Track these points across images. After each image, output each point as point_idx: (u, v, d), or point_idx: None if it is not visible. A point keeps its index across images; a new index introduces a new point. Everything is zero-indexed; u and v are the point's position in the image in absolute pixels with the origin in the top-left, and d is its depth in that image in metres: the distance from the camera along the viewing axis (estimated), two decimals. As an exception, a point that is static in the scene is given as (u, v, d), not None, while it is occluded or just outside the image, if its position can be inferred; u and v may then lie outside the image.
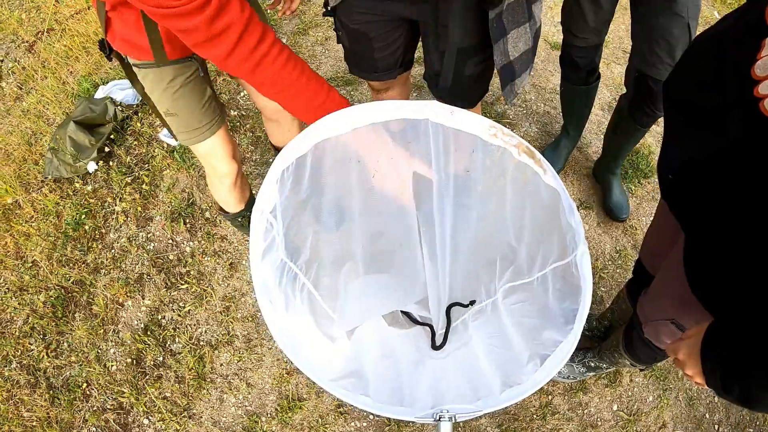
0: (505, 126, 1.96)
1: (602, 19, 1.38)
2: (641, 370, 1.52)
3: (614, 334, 1.29)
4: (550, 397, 1.47)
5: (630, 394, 1.51)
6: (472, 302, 1.16)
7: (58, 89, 2.19)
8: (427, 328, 1.14)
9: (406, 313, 1.19)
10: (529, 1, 0.97)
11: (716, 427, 1.52)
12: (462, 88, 1.16)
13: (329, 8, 1.11)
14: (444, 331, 1.13)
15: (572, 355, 1.44)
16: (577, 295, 0.83)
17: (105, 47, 0.97)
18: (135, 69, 0.99)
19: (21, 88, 2.28)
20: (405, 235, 1.08)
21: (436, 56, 1.11)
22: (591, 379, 1.51)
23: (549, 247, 0.94)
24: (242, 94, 2.08)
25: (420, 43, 1.19)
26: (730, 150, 0.55)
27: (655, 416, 1.49)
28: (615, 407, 1.48)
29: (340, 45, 1.21)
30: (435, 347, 1.10)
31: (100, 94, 2.04)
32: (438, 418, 0.73)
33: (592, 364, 1.42)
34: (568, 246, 0.87)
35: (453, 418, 0.73)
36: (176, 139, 1.16)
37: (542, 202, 0.92)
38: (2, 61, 2.39)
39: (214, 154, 1.18)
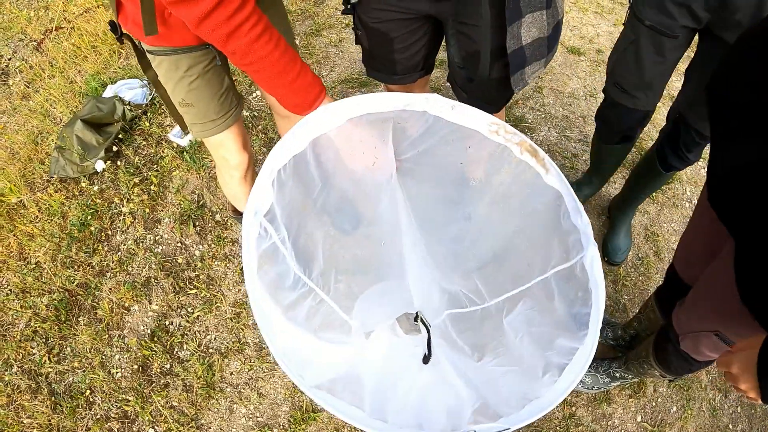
0: (524, 131, 1.96)
1: (663, 71, 1.19)
2: (670, 381, 1.49)
3: (643, 345, 1.26)
4: (573, 408, 1.43)
5: (654, 404, 1.48)
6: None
7: (66, 88, 2.17)
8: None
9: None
10: None
11: None
12: (487, 91, 1.13)
13: (349, 5, 1.08)
14: (427, 342, 1.09)
15: (597, 365, 1.42)
16: (587, 299, 0.80)
17: (116, 29, 0.94)
18: (149, 55, 0.96)
19: (28, 86, 2.27)
20: (401, 241, 1.06)
21: (460, 57, 1.09)
22: (615, 389, 1.48)
23: (548, 251, 0.91)
24: (254, 94, 2.06)
25: (443, 45, 1.17)
26: None
27: (679, 427, 1.47)
28: (639, 418, 1.46)
29: (357, 46, 1.19)
30: (425, 361, 1.07)
31: (108, 92, 2.03)
32: None
33: (617, 374, 1.38)
34: (571, 249, 0.84)
35: None
36: (187, 133, 1.13)
37: (541, 205, 0.90)
38: (10, 59, 2.38)
39: (226, 145, 1.15)
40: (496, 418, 0.76)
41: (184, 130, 1.12)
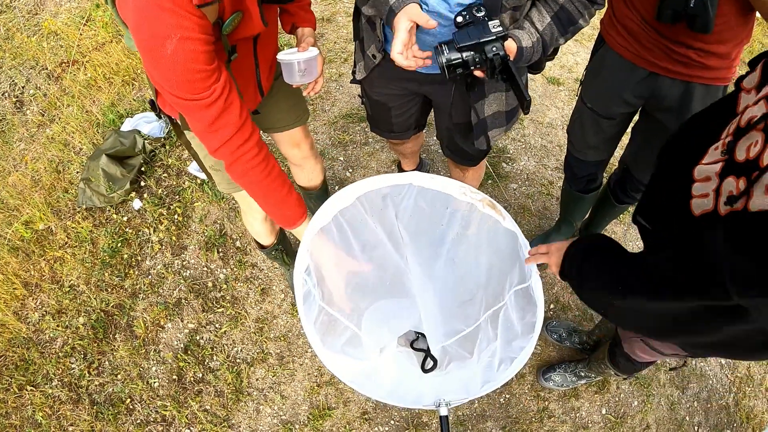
0: (506, 161, 2.29)
1: (604, 140, 1.46)
2: (624, 379, 1.84)
3: (601, 349, 1.60)
4: (546, 402, 1.78)
5: (617, 399, 1.82)
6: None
7: (83, 118, 2.41)
8: (421, 354, 1.45)
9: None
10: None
11: (696, 428, 1.82)
12: (466, 153, 1.46)
13: (355, 79, 1.39)
14: (430, 359, 1.45)
15: (565, 366, 1.77)
16: (534, 311, 1.16)
17: (155, 108, 1.17)
18: (184, 129, 1.18)
19: (43, 115, 2.50)
20: (399, 274, 1.40)
21: (443, 127, 1.41)
22: (582, 387, 1.82)
23: (512, 276, 1.27)
24: (268, 139, 2.34)
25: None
26: (675, 225, 0.81)
27: (640, 419, 1.79)
28: (604, 411, 1.80)
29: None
30: (424, 370, 1.41)
31: (127, 126, 2.28)
32: (438, 405, 1.12)
33: (582, 374, 1.72)
34: (527, 273, 1.19)
35: (448, 404, 1.12)
36: (217, 188, 1.40)
37: (504, 244, 1.25)
38: (23, 87, 2.60)
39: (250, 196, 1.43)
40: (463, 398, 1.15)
41: (212, 183, 1.37)
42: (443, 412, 1.12)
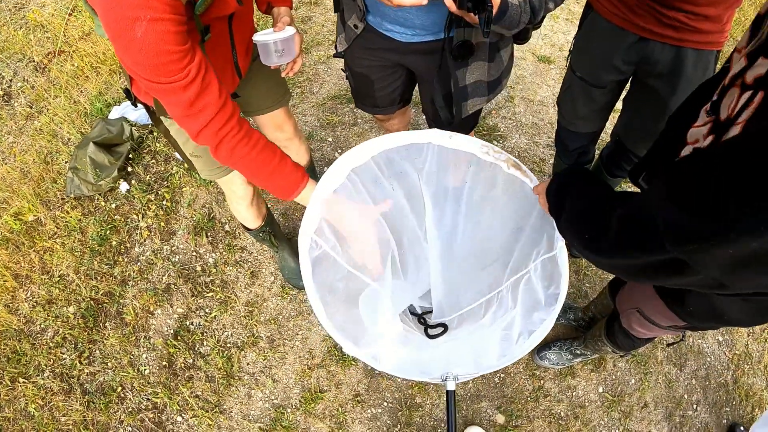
0: (497, 139, 2.28)
1: (594, 111, 1.45)
2: (621, 356, 1.82)
3: (597, 325, 1.58)
4: (542, 381, 1.76)
5: (614, 377, 1.81)
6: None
7: (70, 108, 2.43)
8: (420, 324, 1.43)
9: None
10: (494, 47, 1.23)
11: (695, 406, 1.81)
12: (451, 126, 1.44)
13: (338, 52, 1.38)
14: (440, 325, 1.42)
15: (560, 344, 1.75)
16: (558, 283, 1.12)
17: (131, 96, 1.15)
18: (161, 117, 1.18)
19: (32, 107, 2.52)
20: (412, 242, 1.37)
21: (427, 100, 1.40)
22: (578, 365, 1.80)
23: (540, 244, 1.22)
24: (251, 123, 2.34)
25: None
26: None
27: (638, 397, 1.78)
28: (600, 389, 1.78)
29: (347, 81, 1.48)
30: (429, 336, 1.39)
31: (114, 114, 2.30)
32: (444, 379, 1.06)
33: (578, 352, 1.71)
34: (556, 241, 1.16)
35: (456, 378, 1.06)
36: (199, 175, 1.40)
37: (529, 207, 1.21)
38: (11, 80, 2.62)
39: (233, 182, 1.42)
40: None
41: (193, 171, 1.37)
42: (450, 386, 1.06)
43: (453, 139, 1.18)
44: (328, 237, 1.08)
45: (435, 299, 1.44)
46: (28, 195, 2.21)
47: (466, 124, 1.47)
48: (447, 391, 1.07)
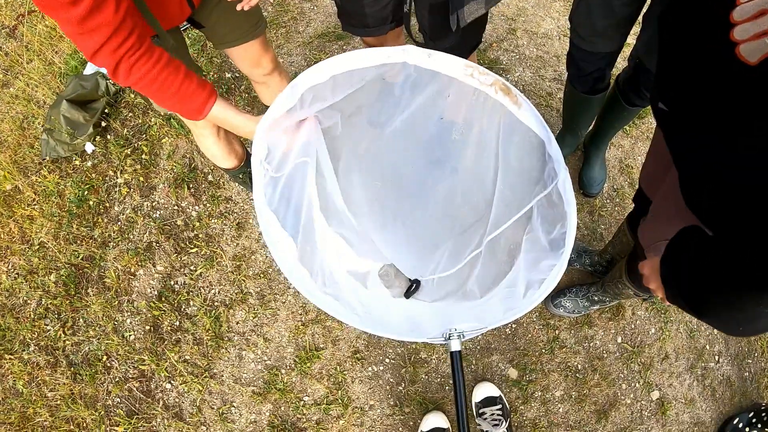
0: (499, 72, 2.11)
1: (614, 25, 1.31)
2: (644, 300, 1.67)
3: (617, 266, 1.43)
4: (557, 331, 1.63)
5: (633, 327, 1.68)
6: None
7: (45, 70, 2.38)
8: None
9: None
10: None
11: (716, 357, 1.70)
12: (451, 43, 1.30)
13: None
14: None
15: (576, 290, 1.60)
16: (564, 222, 0.97)
17: None
18: None
19: (7, 73, 2.49)
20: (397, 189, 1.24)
21: (425, 11, 1.25)
22: (595, 313, 1.67)
23: (531, 185, 1.08)
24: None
25: None
26: (712, 88, 0.64)
27: (658, 347, 1.67)
28: (619, 339, 1.65)
29: (330, 0, 1.35)
30: (407, 295, 1.26)
31: (89, 69, 2.23)
32: (448, 337, 0.89)
33: (596, 298, 1.56)
34: (548, 178, 1.01)
35: (461, 336, 0.89)
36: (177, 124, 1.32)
37: (518, 144, 1.06)
38: (-15, 48, 2.60)
39: None
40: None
41: (148, 102, 1.28)
42: (455, 346, 0.89)
43: (432, 58, 1.03)
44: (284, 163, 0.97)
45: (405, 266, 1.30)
46: (5, 163, 2.18)
47: (467, 41, 1.33)
48: (452, 353, 0.89)
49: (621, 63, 2.01)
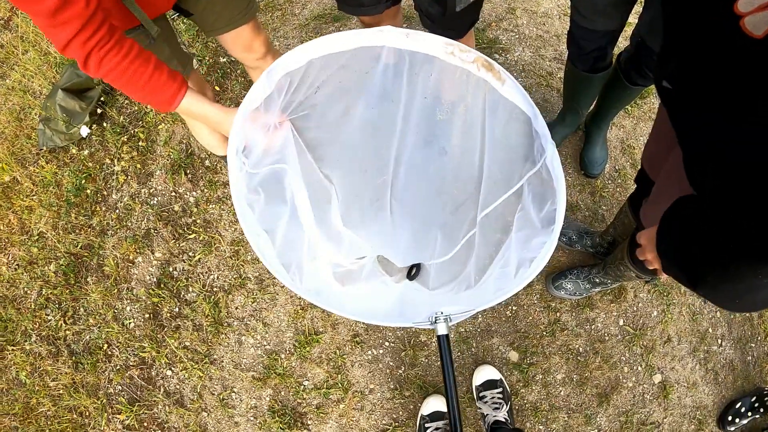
0: (498, 52, 2.10)
1: (614, 3, 1.29)
2: (646, 282, 1.65)
3: (618, 248, 1.42)
4: (558, 314, 1.62)
5: (635, 309, 1.67)
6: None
7: (41, 61, 2.39)
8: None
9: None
10: None
11: (719, 341, 1.70)
12: (451, 19, 1.29)
13: None
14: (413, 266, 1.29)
15: (578, 272, 1.59)
16: (554, 199, 0.96)
17: None
18: None
19: (3, 65, 2.50)
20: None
21: None
22: (597, 295, 1.66)
23: (520, 162, 1.07)
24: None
25: None
26: (716, 63, 0.63)
27: (660, 330, 1.66)
28: (621, 322, 1.65)
29: None
30: (410, 277, 1.25)
31: (84, 58, 2.24)
32: (434, 321, 0.88)
33: (597, 280, 1.56)
34: (536, 154, 1.00)
35: (448, 319, 0.88)
36: None
37: (504, 121, 1.05)
38: (-20, 40, 2.61)
39: None
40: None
41: None
42: (442, 330, 0.87)
43: (410, 38, 1.02)
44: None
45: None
46: (2, 155, 2.20)
47: (464, 20, 1.32)
48: (438, 337, 0.88)
49: (623, 43, 1.99)
